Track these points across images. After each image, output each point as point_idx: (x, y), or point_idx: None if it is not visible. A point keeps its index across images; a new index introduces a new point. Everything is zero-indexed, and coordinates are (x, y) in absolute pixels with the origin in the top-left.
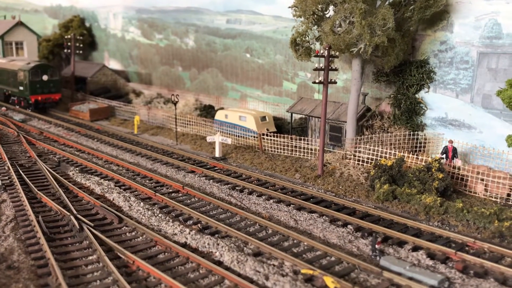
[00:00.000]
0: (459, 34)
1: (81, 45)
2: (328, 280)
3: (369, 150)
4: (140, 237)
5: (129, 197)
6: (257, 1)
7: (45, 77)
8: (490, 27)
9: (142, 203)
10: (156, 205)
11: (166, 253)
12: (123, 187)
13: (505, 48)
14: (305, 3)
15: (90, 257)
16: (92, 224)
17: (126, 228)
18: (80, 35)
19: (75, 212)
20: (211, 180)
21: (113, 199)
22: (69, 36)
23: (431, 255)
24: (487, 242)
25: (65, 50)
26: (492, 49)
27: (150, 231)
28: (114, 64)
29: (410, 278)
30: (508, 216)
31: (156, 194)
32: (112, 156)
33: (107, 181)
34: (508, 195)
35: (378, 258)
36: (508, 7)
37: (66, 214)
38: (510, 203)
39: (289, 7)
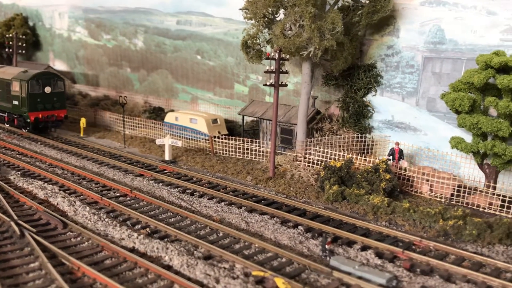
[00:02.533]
0: (405, 39)
1: (24, 45)
2: (279, 281)
3: (319, 152)
4: (86, 243)
5: (75, 202)
6: (207, 3)
7: (47, 89)
8: (434, 32)
9: (88, 207)
10: (102, 210)
11: (113, 259)
12: (68, 192)
13: (448, 53)
14: (255, 6)
15: (32, 265)
16: (34, 230)
17: (71, 233)
18: (23, 34)
19: (15, 217)
20: (161, 184)
21: (57, 204)
22: (10, 35)
23: (379, 254)
24: (433, 241)
25: (7, 50)
26: (436, 54)
27: (96, 236)
28: (59, 65)
29: (360, 277)
30: (452, 215)
31: (103, 198)
32: (57, 160)
33: (51, 185)
34: (452, 195)
35: (328, 258)
36: (450, 13)
37: (6, 220)
38: (454, 202)
39: (240, 9)
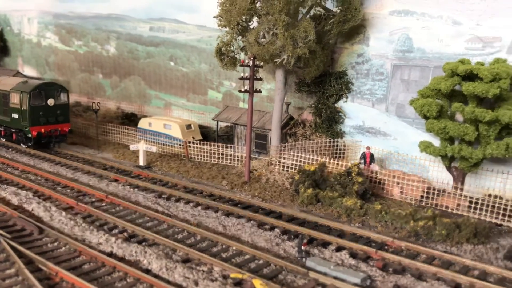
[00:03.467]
0: (375, 47)
1: None
2: (257, 282)
3: (293, 156)
4: (63, 248)
5: (50, 207)
6: (180, 10)
7: (50, 101)
8: (403, 41)
9: (64, 212)
10: (79, 215)
11: (91, 263)
12: (43, 197)
13: (416, 61)
14: (229, 14)
15: (8, 271)
16: (9, 236)
17: (48, 239)
18: None
19: None
20: (136, 189)
21: (32, 210)
22: None
23: (353, 255)
24: (404, 241)
25: None
26: (404, 61)
27: (73, 241)
28: (29, 71)
29: (335, 277)
30: (422, 216)
31: (79, 203)
32: (30, 166)
33: (24, 191)
34: (422, 197)
35: (304, 259)
36: (417, 23)
37: None
38: (423, 204)
39: (214, 17)
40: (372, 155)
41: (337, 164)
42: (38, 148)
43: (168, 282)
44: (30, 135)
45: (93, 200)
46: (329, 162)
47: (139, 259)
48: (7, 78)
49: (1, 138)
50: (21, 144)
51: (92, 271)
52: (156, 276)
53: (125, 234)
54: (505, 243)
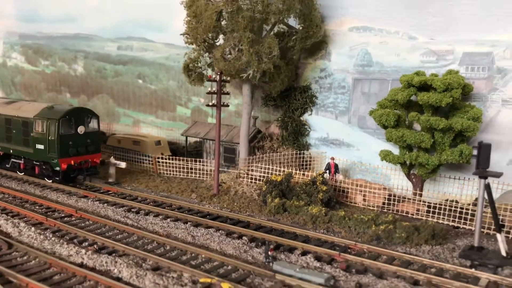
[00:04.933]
0: (336, 62)
1: None
2: (226, 286)
3: (261, 168)
4: (33, 261)
5: (19, 223)
6: (148, 29)
7: (81, 129)
8: (362, 56)
9: (33, 228)
10: (48, 230)
11: (62, 274)
12: (11, 214)
13: (375, 75)
14: (196, 31)
15: None
16: None
17: (17, 253)
18: None
19: None
20: (105, 204)
21: (0, 226)
22: None
23: (318, 258)
24: (366, 244)
25: None
26: (364, 75)
27: (43, 254)
28: None
29: (300, 279)
30: (383, 221)
31: (48, 219)
32: None
33: None
34: (383, 203)
35: (271, 264)
36: (376, 38)
37: None
38: (385, 210)
39: (181, 34)
40: (336, 165)
41: (303, 174)
42: (65, 182)
43: None
44: (58, 168)
45: (63, 215)
46: (296, 173)
47: (110, 269)
48: (27, 104)
49: (18, 172)
50: (45, 179)
51: (63, 281)
52: (127, 283)
53: (95, 246)
54: (461, 243)
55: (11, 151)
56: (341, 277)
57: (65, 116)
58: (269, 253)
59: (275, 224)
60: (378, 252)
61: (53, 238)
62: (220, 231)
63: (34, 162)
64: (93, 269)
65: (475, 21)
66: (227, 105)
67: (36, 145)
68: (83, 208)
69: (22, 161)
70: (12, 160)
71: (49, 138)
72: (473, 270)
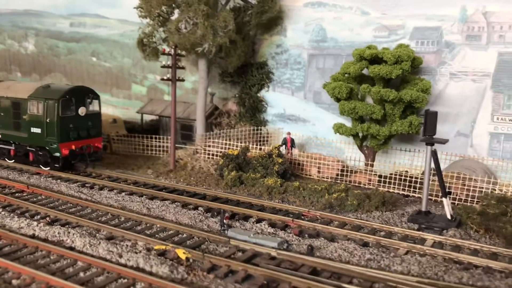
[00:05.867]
0: (292, 38)
1: None
2: (180, 251)
3: (218, 144)
4: None
5: None
6: (102, 5)
7: (82, 111)
8: (317, 31)
9: None
10: None
11: (12, 246)
12: None
13: (329, 50)
14: (149, 4)
15: None
16: None
17: None
18: None
19: None
20: (59, 180)
21: None
22: None
23: (272, 225)
24: (319, 211)
25: None
26: (319, 51)
27: None
28: None
29: (254, 243)
30: (336, 189)
31: None
32: None
33: None
34: (337, 175)
35: (226, 231)
36: (330, 14)
37: None
38: (339, 182)
39: (134, 8)
40: (292, 140)
41: (260, 149)
42: (64, 169)
43: (92, 256)
44: (59, 154)
45: (13, 191)
46: (252, 148)
47: (63, 239)
48: (17, 83)
49: (7, 160)
50: (41, 166)
51: (13, 252)
52: (80, 252)
53: (47, 219)
54: (410, 210)
55: (0, 135)
56: (294, 242)
57: (65, 96)
58: (224, 221)
59: (231, 195)
60: (330, 218)
61: (2, 213)
62: (175, 203)
63: (28, 148)
64: (45, 240)
65: None
66: (183, 80)
67: (31, 128)
68: (35, 184)
69: (12, 147)
70: (0, 146)
71: (47, 120)
72: (420, 232)
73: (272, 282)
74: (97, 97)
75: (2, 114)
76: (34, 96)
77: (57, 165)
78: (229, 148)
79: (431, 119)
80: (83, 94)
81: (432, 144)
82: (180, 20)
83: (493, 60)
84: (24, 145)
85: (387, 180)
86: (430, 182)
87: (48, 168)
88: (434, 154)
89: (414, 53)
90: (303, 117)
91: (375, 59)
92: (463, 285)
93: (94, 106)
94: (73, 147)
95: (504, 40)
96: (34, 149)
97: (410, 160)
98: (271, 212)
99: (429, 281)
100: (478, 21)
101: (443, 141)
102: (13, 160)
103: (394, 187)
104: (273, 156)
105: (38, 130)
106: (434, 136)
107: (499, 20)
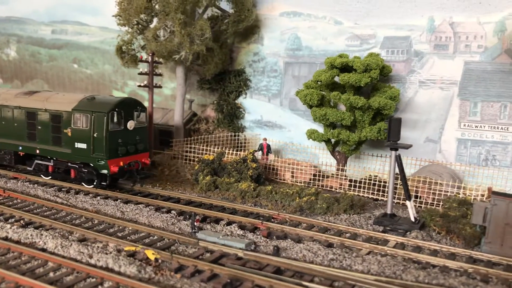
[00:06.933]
0: (269, 46)
1: None
2: (149, 252)
3: (195, 149)
4: None
5: None
6: (83, 12)
7: (130, 125)
8: (293, 40)
9: None
10: None
11: None
12: None
13: (304, 58)
14: (127, 13)
15: None
16: None
17: None
18: None
19: None
20: (36, 184)
21: None
22: None
23: (242, 227)
24: (289, 214)
25: None
26: (294, 59)
27: None
28: None
29: (223, 245)
30: (307, 193)
31: None
32: None
33: None
34: (310, 179)
35: (196, 233)
36: (305, 23)
37: None
38: (311, 186)
39: (113, 16)
40: (269, 146)
41: (236, 155)
42: (109, 188)
43: (63, 257)
44: (106, 171)
45: None
46: (228, 153)
47: (35, 241)
48: (55, 95)
49: (43, 176)
50: (83, 184)
51: None
52: (51, 253)
53: (21, 222)
54: (378, 213)
55: (38, 151)
56: (262, 243)
57: (114, 108)
58: (195, 223)
59: (205, 199)
60: (299, 221)
61: None
62: (149, 207)
63: (70, 164)
64: (17, 242)
65: (395, 6)
66: (160, 86)
67: (75, 143)
68: (12, 188)
69: (51, 163)
70: (37, 162)
71: (94, 135)
72: (384, 234)
73: (236, 281)
74: (144, 109)
75: (39, 128)
76: (79, 109)
77: (104, 183)
78: (205, 154)
79: (395, 125)
80: (132, 107)
81: (396, 149)
82: (157, 28)
83: (460, 68)
84: (64, 161)
85: (357, 184)
86: (394, 184)
87: (92, 186)
88: (398, 158)
89: (384, 61)
90: (280, 124)
91: (346, 68)
92: (419, 283)
93: (142, 119)
94: (122, 163)
95: (470, 49)
96: (77, 166)
97: (381, 165)
98: (242, 215)
99: (386, 280)
100: (445, 31)
101: (407, 146)
102: (49, 177)
103: (364, 191)
104: (248, 161)
105: (83, 146)
106: (398, 142)
107: (465, 31)
